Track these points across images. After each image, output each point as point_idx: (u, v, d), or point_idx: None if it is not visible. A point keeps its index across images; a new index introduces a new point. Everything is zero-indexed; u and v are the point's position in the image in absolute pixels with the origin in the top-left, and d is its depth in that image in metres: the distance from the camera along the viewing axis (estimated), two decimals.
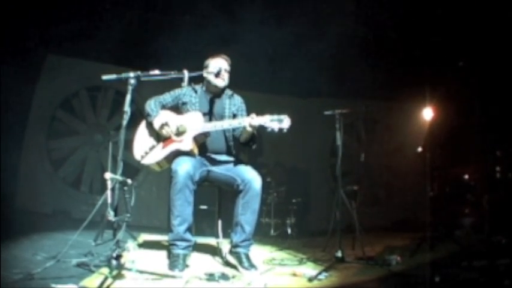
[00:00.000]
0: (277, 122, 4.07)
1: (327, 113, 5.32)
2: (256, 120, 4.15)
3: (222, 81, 4.59)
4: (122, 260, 3.56)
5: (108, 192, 4.43)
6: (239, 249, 4.34)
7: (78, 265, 3.76)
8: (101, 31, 7.23)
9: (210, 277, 3.81)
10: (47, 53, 7.73)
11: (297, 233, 7.60)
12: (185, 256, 4.15)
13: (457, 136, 7.26)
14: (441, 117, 5.83)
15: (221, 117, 4.58)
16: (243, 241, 4.34)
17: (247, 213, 4.32)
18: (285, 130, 4.09)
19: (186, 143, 4.31)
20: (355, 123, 9.31)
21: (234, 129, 4.54)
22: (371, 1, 7.01)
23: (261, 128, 4.17)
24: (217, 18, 7.12)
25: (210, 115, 4.58)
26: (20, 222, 6.11)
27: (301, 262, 4.90)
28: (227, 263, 4.49)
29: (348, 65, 8.17)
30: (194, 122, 4.37)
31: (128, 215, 4.03)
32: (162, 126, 4.43)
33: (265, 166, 7.92)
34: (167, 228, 4.42)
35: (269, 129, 4.10)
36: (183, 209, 4.13)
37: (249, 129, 4.21)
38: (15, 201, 7.19)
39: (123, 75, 4.03)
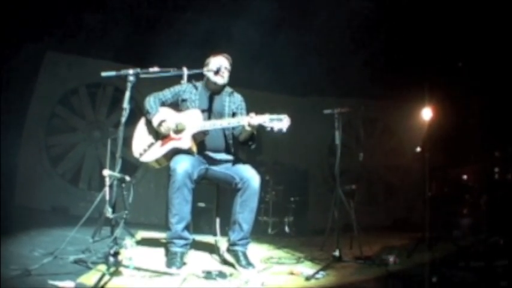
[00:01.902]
0: (277, 122, 4.07)
1: (326, 112, 5.32)
2: (255, 119, 4.14)
3: (221, 79, 4.58)
4: (120, 257, 3.55)
5: (107, 189, 4.42)
6: (237, 248, 4.34)
7: (76, 262, 3.75)
8: (101, 28, 7.23)
9: (208, 275, 3.81)
10: (46, 49, 7.73)
11: (295, 232, 7.62)
12: (183, 254, 4.15)
13: (455, 136, 7.27)
14: (440, 117, 5.83)
15: (220, 115, 4.58)
16: (240, 239, 4.34)
17: (245, 211, 4.32)
18: (284, 130, 4.08)
19: (185, 141, 4.30)
20: (354, 122, 9.30)
21: (233, 128, 4.53)
22: (371, 1, 7.01)
23: (260, 128, 4.17)
24: (217, 16, 7.11)
25: (209, 113, 4.57)
26: (18, 219, 6.11)
27: (298, 261, 4.88)
28: (225, 261, 4.48)
29: (347, 64, 8.17)
30: (193, 120, 4.36)
31: (126, 212, 4.04)
32: (161, 123, 4.42)
33: (263, 164, 7.91)
34: (165, 226, 4.42)
35: (268, 129, 4.09)
36: (181, 207, 4.13)
37: (248, 128, 4.21)
38: (13, 197, 7.20)
39: (122, 72, 4.02)
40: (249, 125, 4.17)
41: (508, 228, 5.43)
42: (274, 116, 4.09)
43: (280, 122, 4.06)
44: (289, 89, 8.78)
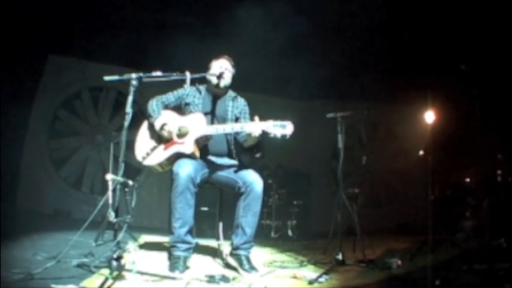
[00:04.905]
0: (280, 128, 4.05)
1: (329, 115, 5.33)
2: (259, 125, 4.12)
3: (222, 81, 4.57)
4: (123, 261, 3.55)
5: (109, 193, 4.43)
6: (240, 252, 4.34)
7: (79, 266, 3.76)
8: (103, 32, 7.24)
9: (211, 279, 3.81)
10: (49, 53, 7.75)
11: (298, 235, 7.61)
12: (186, 258, 4.15)
13: (458, 139, 7.26)
14: (443, 120, 5.82)
15: (223, 119, 4.58)
16: (243, 243, 4.33)
17: (248, 215, 4.31)
18: (287, 136, 4.07)
19: (188, 146, 4.30)
20: (357, 125, 9.34)
21: (236, 133, 4.52)
22: (373, 4, 7.01)
23: (264, 134, 4.15)
24: (219, 19, 7.12)
25: (212, 117, 4.57)
26: (21, 222, 6.12)
27: (301, 264, 4.89)
28: (228, 265, 4.49)
29: (349, 67, 8.18)
30: (196, 124, 4.36)
31: (129, 216, 4.03)
32: (163, 127, 4.42)
33: (266, 168, 7.91)
34: (168, 230, 4.42)
35: (271, 135, 4.08)
36: (184, 211, 4.13)
37: (253, 135, 4.19)
38: (16, 200, 7.21)
39: (125, 76, 4.01)
40: (254, 134, 4.15)
41: (510, 231, 5.42)
42: (278, 123, 4.08)
43: (283, 129, 4.05)
44: (292, 93, 8.77)
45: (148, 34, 7.58)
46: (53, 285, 3.15)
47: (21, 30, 6.61)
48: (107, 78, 4.04)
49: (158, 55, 6.96)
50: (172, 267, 4.03)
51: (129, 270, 3.59)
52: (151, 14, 7.44)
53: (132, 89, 3.94)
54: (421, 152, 6.01)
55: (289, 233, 7.59)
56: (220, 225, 4.80)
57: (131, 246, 3.93)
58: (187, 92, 4.65)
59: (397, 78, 8.14)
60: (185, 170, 4.12)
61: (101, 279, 3.38)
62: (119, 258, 3.52)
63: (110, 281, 3.34)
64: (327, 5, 7.10)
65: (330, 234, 5.56)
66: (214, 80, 4.55)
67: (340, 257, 4.75)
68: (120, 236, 3.85)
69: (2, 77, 6.43)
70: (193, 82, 4.45)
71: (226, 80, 4.61)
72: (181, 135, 4.39)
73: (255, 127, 4.13)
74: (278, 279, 4.16)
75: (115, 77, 4.02)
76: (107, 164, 7.07)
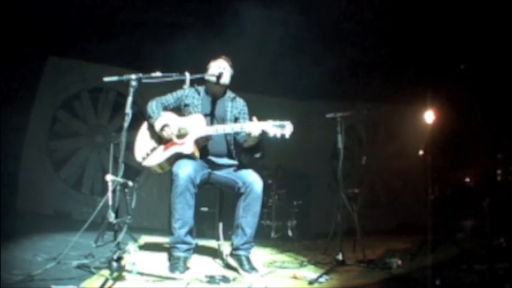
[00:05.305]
0: (279, 128, 4.05)
1: (328, 116, 5.33)
2: (258, 125, 4.13)
3: (222, 79, 4.57)
4: (123, 262, 3.55)
5: (109, 194, 4.43)
6: (240, 252, 4.34)
7: (79, 267, 3.75)
8: (103, 33, 7.23)
9: (211, 279, 3.81)
10: (48, 54, 7.74)
11: (298, 236, 7.61)
12: (186, 258, 4.15)
13: (458, 139, 7.26)
14: (443, 120, 5.82)
15: (223, 120, 4.58)
16: (243, 244, 4.33)
17: (248, 215, 4.32)
18: (286, 136, 4.07)
19: (188, 146, 4.30)
20: (357, 125, 9.34)
21: (236, 133, 4.52)
22: (373, 4, 7.01)
23: (263, 134, 4.16)
24: (219, 20, 7.12)
25: (211, 117, 4.58)
26: (21, 223, 6.11)
27: (301, 265, 4.88)
28: (228, 266, 4.49)
29: (349, 67, 8.17)
30: (196, 125, 4.36)
31: (129, 216, 4.03)
32: (163, 128, 4.43)
33: (266, 168, 7.91)
34: (168, 230, 4.42)
35: (271, 135, 4.08)
36: (183, 212, 4.13)
37: (253, 135, 4.18)
38: (16, 201, 7.20)
39: (125, 77, 4.01)
40: (253, 134, 4.15)
41: (510, 230, 5.42)
42: (277, 122, 4.08)
43: (283, 129, 4.05)
44: (292, 93, 8.78)
45: (147, 35, 7.56)
46: (53, 286, 3.14)
47: (21, 32, 6.60)
48: (106, 79, 4.05)
49: (157, 56, 6.96)
50: (173, 267, 4.03)
51: (129, 271, 3.59)
52: (151, 15, 7.42)
53: (131, 90, 3.95)
54: (421, 152, 6.00)
55: (289, 233, 7.60)
56: (220, 225, 4.80)
57: (131, 247, 3.93)
58: (186, 93, 4.65)
59: (397, 78, 8.14)
60: (185, 170, 4.12)
61: (101, 280, 3.38)
62: (119, 259, 3.52)
63: (110, 282, 3.35)
64: (327, 5, 7.10)
65: (330, 235, 5.56)
66: (213, 80, 4.55)
67: (340, 257, 4.76)
68: (120, 237, 3.85)
69: (1, 78, 6.42)
70: (192, 83, 4.45)
71: (226, 79, 4.62)
72: (181, 136, 4.40)
73: (254, 127, 4.13)
74: (278, 280, 4.16)
75: (114, 78, 4.02)
76: (106, 165, 7.08)
